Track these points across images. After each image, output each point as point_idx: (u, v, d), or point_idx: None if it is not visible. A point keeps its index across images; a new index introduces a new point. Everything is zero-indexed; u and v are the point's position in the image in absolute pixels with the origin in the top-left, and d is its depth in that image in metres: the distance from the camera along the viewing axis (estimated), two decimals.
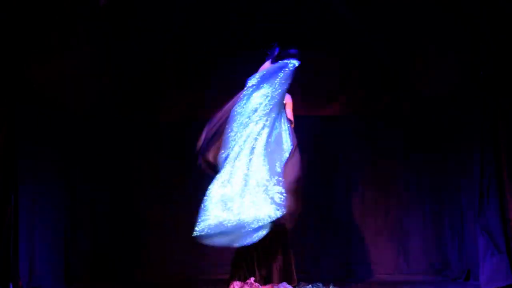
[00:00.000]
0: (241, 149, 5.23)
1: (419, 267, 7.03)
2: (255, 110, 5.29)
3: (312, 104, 7.08)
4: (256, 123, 5.27)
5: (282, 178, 5.12)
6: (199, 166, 5.38)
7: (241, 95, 5.32)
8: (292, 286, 5.29)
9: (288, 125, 5.46)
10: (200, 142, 5.36)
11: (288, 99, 5.60)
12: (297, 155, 5.29)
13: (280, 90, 5.36)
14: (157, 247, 7.16)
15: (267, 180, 5.10)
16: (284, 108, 5.55)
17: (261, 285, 5.19)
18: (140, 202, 7.25)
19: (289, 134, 5.41)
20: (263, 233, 5.02)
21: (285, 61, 5.33)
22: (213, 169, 5.33)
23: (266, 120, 5.30)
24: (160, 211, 7.24)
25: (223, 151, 5.28)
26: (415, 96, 7.02)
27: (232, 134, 5.27)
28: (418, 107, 7.07)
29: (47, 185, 5.91)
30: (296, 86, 6.72)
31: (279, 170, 5.17)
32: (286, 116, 5.52)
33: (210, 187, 5.15)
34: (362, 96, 7.08)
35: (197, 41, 7.06)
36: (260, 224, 4.96)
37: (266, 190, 5.07)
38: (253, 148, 5.21)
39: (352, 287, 6.23)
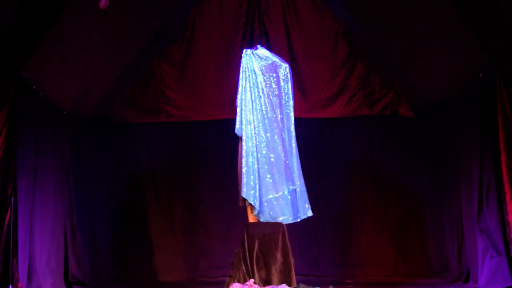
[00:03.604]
0: None
1: (418, 269, 7.03)
2: None
3: (311, 106, 7.07)
4: None
5: None
6: None
7: None
8: None
9: None
10: None
11: None
12: None
13: None
14: (156, 248, 7.13)
15: None
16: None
17: (260, 287, 5.18)
18: (139, 203, 7.22)
19: None
20: None
21: None
22: None
23: None
24: (160, 213, 7.22)
25: None
26: (415, 98, 7.00)
27: None
28: (417, 109, 7.05)
29: (47, 186, 5.87)
30: (296, 89, 6.82)
31: None
32: None
33: None
34: (361, 98, 7.06)
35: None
36: None
37: None
38: None
39: None
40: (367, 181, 7.22)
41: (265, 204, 5.50)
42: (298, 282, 5.43)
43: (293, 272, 5.40)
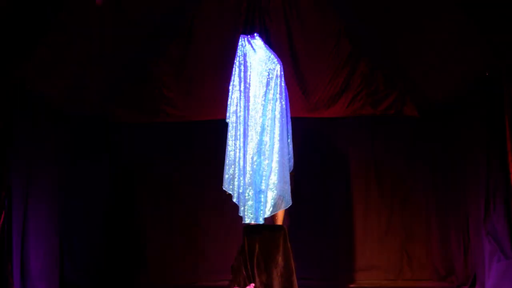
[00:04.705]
0: None
1: (423, 273, 6.95)
2: None
3: (313, 105, 7.00)
4: None
5: None
6: None
7: None
8: None
9: None
10: None
11: None
12: None
13: None
14: (155, 252, 7.07)
15: None
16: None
17: None
18: (137, 205, 7.16)
19: None
20: None
21: None
22: None
23: None
24: (158, 215, 7.15)
25: None
26: (420, 98, 6.93)
27: None
28: (422, 109, 6.98)
29: (41, 187, 5.78)
30: (297, 88, 6.84)
31: None
32: None
33: None
34: (364, 97, 6.99)
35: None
36: None
37: None
38: None
39: None
40: (370, 183, 7.14)
41: (240, 196, 5.37)
42: (299, 287, 5.36)
43: (294, 276, 5.32)
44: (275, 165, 5.38)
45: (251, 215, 5.35)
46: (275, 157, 5.39)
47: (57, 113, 6.22)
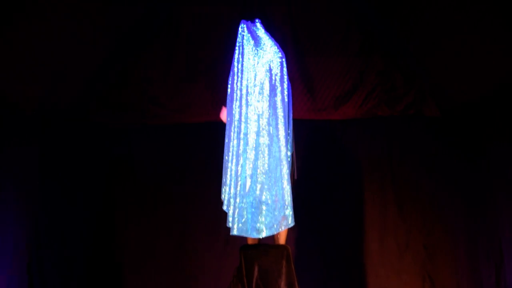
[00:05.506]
0: None
1: None
2: None
3: (320, 105, 6.61)
4: None
5: None
6: None
7: None
8: None
9: None
10: None
11: None
12: None
13: None
14: (138, 273, 6.65)
15: None
16: None
17: None
18: (120, 220, 6.77)
19: None
20: None
21: None
22: None
23: None
24: (144, 231, 6.76)
25: None
26: (441, 97, 6.54)
27: None
28: (445, 109, 6.58)
29: (8, 202, 5.48)
30: (301, 85, 6.48)
31: None
32: None
33: None
34: (379, 96, 6.60)
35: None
36: None
37: None
38: None
39: None
40: (386, 194, 6.70)
41: (230, 204, 4.88)
42: None
43: None
44: (273, 171, 4.84)
45: (244, 228, 4.78)
46: (274, 161, 4.85)
47: (28, 116, 5.94)
